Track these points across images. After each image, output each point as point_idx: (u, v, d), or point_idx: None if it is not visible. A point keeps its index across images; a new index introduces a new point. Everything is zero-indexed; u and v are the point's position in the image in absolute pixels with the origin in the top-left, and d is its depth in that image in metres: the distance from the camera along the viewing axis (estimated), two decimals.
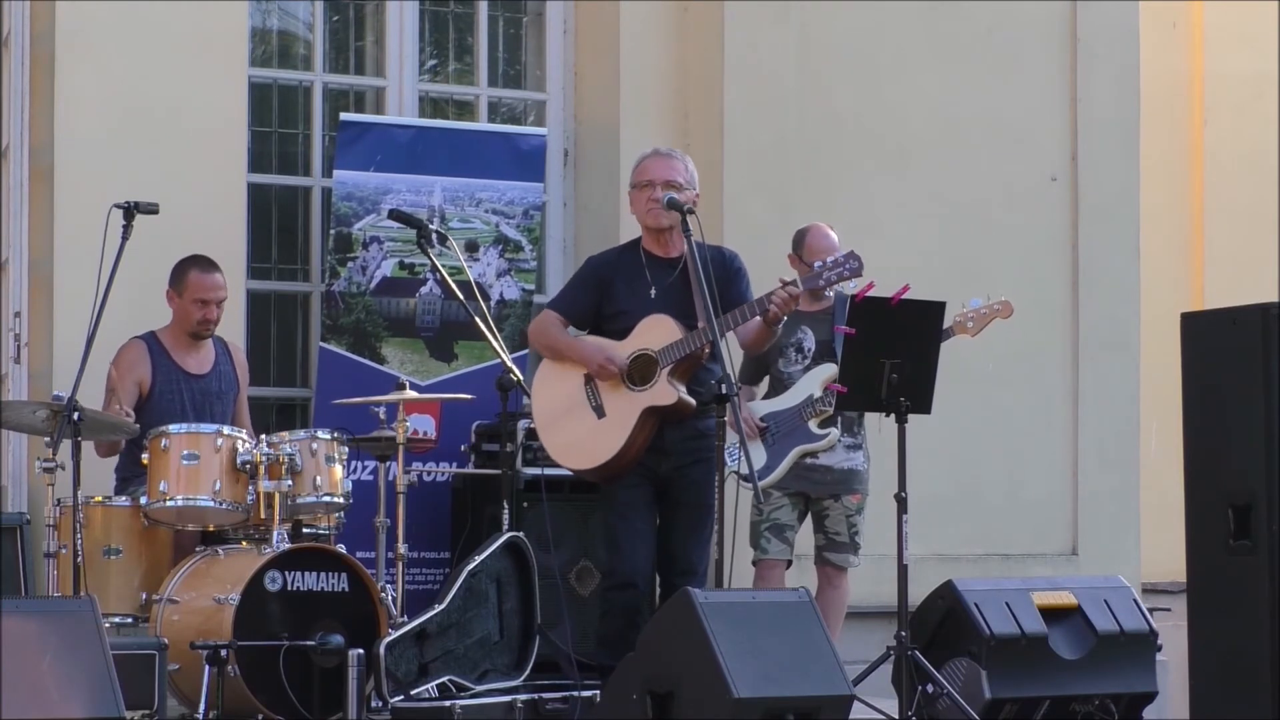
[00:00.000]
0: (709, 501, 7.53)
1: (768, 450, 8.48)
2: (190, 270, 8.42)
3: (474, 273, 8.99)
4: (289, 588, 7.72)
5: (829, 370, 8.41)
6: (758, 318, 7.53)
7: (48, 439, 7.45)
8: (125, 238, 7.59)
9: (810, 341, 8.56)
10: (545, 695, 7.94)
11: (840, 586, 8.55)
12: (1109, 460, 10.43)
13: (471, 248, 9.30)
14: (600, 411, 7.66)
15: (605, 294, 7.79)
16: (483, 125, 9.79)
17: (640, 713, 6.77)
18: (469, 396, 8.76)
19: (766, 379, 8.69)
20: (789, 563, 8.53)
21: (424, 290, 9.33)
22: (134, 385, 8.33)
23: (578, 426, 7.68)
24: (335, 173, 9.21)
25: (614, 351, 7.66)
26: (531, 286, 9.60)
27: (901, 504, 7.54)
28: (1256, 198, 11.94)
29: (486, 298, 8.89)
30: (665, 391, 7.59)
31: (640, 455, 7.64)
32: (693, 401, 7.59)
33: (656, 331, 7.64)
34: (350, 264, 9.21)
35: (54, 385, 8.17)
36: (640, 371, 7.64)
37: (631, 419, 7.61)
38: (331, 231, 9.22)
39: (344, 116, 9.29)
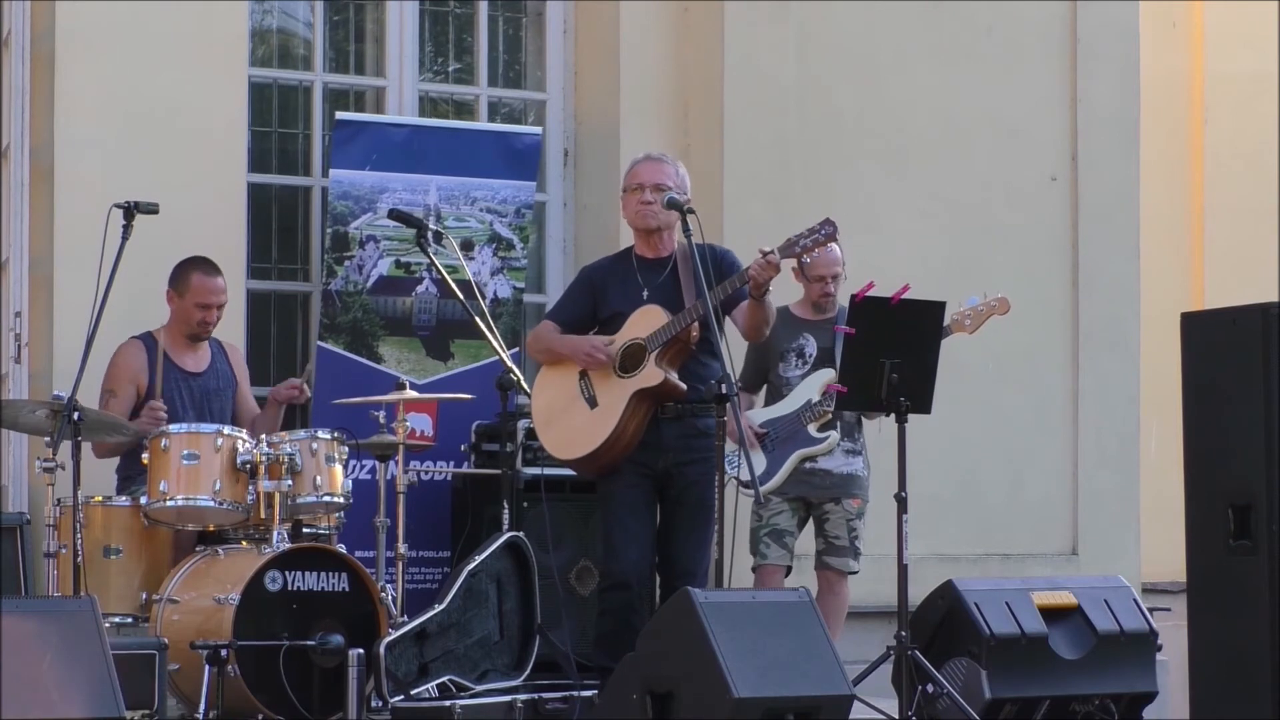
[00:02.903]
0: (709, 502, 7.54)
1: (767, 456, 8.47)
2: (194, 273, 8.42)
3: (469, 271, 8.98)
4: (289, 588, 7.72)
5: (827, 374, 8.40)
6: (745, 298, 7.61)
7: (48, 439, 7.46)
8: (125, 238, 7.60)
9: (812, 348, 8.56)
10: (545, 695, 7.94)
11: (840, 593, 8.53)
12: (1109, 460, 10.43)
13: (467, 246, 9.30)
14: (593, 402, 7.74)
15: (599, 299, 7.89)
16: (477, 124, 9.78)
17: (640, 713, 6.77)
18: (469, 396, 8.76)
19: (765, 387, 8.69)
20: (788, 569, 8.52)
21: (420, 289, 9.33)
22: (131, 389, 8.33)
23: (572, 419, 7.76)
24: (331, 171, 9.20)
25: (602, 340, 7.76)
26: (523, 285, 9.60)
27: (901, 504, 7.54)
28: (1256, 198, 11.94)
29: (482, 296, 8.89)
30: (652, 373, 7.65)
31: (634, 443, 7.68)
32: (682, 385, 7.66)
33: (645, 321, 7.73)
34: (347, 263, 9.21)
35: (54, 385, 8.17)
36: (631, 359, 7.70)
37: (621, 404, 7.67)
38: (328, 230, 9.22)
39: (339, 115, 9.29)
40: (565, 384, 7.82)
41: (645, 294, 7.80)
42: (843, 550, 8.51)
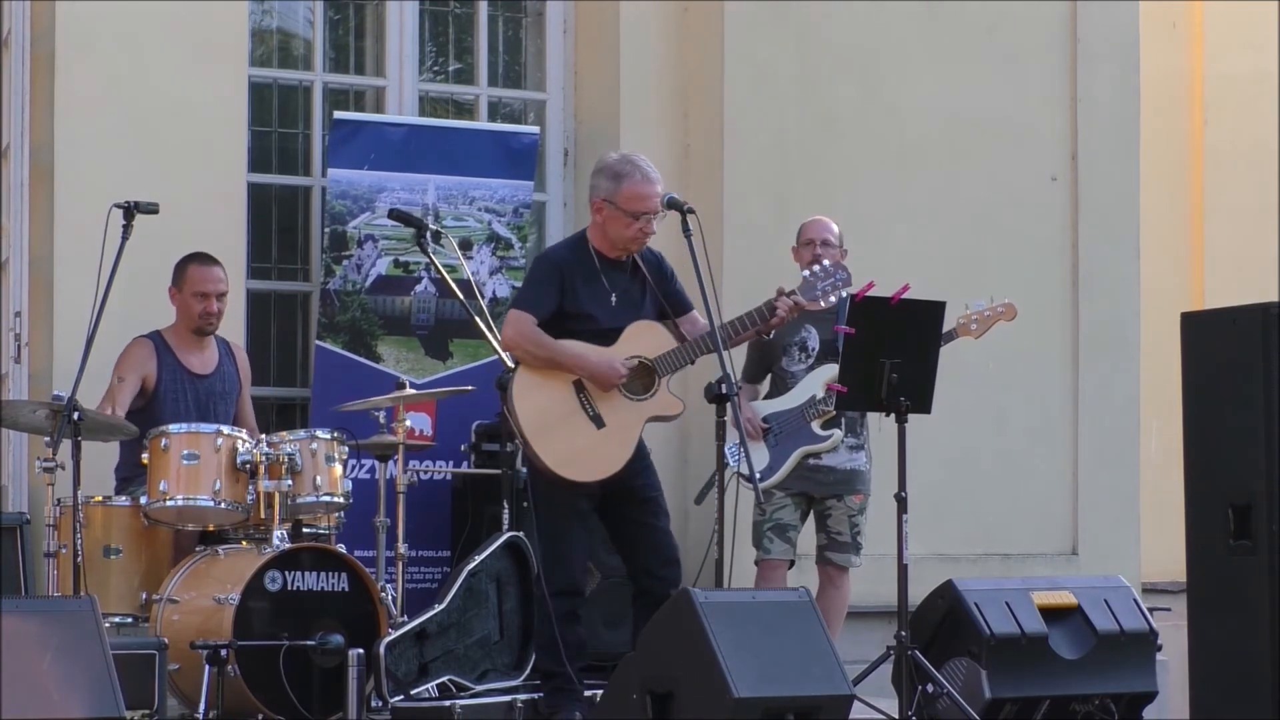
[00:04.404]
0: (660, 491, 7.66)
1: (770, 451, 8.47)
2: (189, 265, 8.45)
3: (469, 271, 8.97)
4: (289, 587, 7.73)
5: (831, 370, 8.39)
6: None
7: (48, 439, 7.46)
8: (125, 237, 7.61)
9: (814, 340, 8.55)
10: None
11: (842, 587, 8.54)
12: (1109, 460, 10.43)
13: (465, 246, 9.30)
14: (599, 421, 7.54)
15: (565, 293, 7.61)
16: (475, 124, 9.79)
17: (640, 713, 6.77)
18: (470, 388, 8.74)
19: (769, 377, 8.68)
20: (791, 563, 8.52)
21: (419, 289, 9.34)
22: (138, 380, 8.32)
23: (577, 437, 7.53)
24: (329, 171, 9.22)
25: (618, 360, 7.56)
26: (519, 284, 9.59)
27: (901, 504, 7.53)
28: (1256, 198, 11.94)
29: (481, 296, 8.88)
30: (670, 402, 7.58)
31: None
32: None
33: (648, 338, 7.61)
34: (345, 262, 9.22)
35: (54, 385, 8.17)
36: (639, 379, 7.59)
37: (635, 429, 7.55)
38: (326, 230, 9.22)
39: (337, 115, 9.30)
40: (559, 392, 7.54)
41: (613, 299, 7.61)
42: (845, 546, 8.52)
